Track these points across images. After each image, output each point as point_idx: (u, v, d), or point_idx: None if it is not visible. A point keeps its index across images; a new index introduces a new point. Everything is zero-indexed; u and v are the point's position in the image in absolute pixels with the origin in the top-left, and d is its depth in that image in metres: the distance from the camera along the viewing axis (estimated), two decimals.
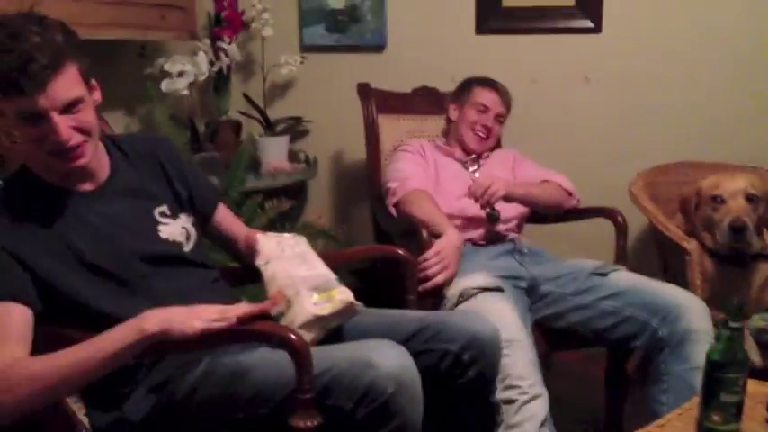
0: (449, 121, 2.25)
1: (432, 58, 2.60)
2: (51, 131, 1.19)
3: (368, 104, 2.33)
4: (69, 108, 1.21)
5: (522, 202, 2.03)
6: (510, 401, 1.59)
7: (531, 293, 1.87)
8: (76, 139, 1.23)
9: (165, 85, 2.34)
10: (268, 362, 1.23)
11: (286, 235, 1.54)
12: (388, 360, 1.19)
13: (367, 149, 2.34)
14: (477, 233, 2.02)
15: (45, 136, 1.20)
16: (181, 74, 2.35)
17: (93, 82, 1.30)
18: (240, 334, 1.22)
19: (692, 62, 2.47)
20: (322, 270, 1.44)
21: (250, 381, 1.22)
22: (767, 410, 1.39)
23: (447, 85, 2.37)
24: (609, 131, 2.56)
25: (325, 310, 1.34)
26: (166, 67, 2.36)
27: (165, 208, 1.42)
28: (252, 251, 1.49)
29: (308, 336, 1.29)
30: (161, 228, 1.39)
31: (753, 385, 1.39)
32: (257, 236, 1.51)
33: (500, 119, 2.19)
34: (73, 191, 1.32)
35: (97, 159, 1.34)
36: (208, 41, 2.53)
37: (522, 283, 1.87)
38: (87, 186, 1.34)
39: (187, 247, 1.42)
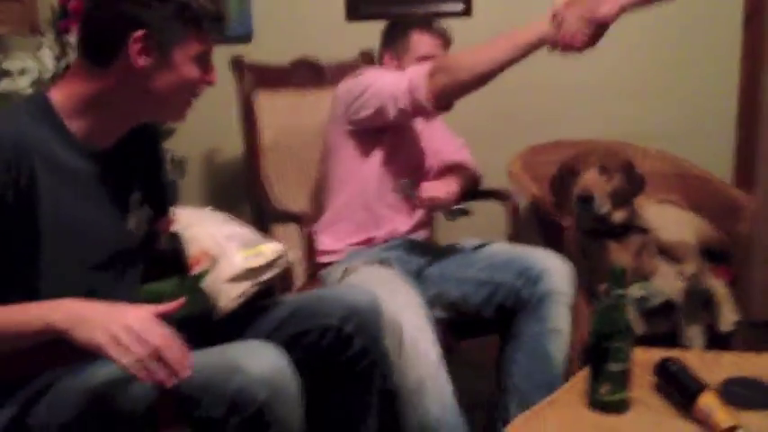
0: None
1: (301, 46, 2.49)
2: (212, 73, 1.26)
3: (242, 79, 2.19)
4: None
5: None
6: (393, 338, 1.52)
7: (419, 278, 1.84)
8: None
9: (4, 85, 2.09)
10: (124, 374, 1.09)
11: (206, 209, 1.47)
12: (259, 363, 1.08)
13: (244, 134, 2.19)
14: (383, 231, 1.94)
15: (203, 79, 1.24)
16: (22, 72, 2.13)
17: None
18: None
19: None
20: (247, 230, 1.37)
21: (107, 399, 1.08)
22: (654, 376, 1.39)
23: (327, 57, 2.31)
24: (485, 113, 2.56)
25: (256, 262, 1.26)
26: (5, 65, 2.11)
27: (137, 195, 1.31)
28: None
29: (237, 289, 1.21)
30: (129, 216, 1.28)
31: (639, 353, 1.40)
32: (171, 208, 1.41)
33: None
34: (83, 145, 1.20)
35: None
36: (52, 36, 2.30)
37: (411, 267, 1.85)
38: (98, 145, 1.22)
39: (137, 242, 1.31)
